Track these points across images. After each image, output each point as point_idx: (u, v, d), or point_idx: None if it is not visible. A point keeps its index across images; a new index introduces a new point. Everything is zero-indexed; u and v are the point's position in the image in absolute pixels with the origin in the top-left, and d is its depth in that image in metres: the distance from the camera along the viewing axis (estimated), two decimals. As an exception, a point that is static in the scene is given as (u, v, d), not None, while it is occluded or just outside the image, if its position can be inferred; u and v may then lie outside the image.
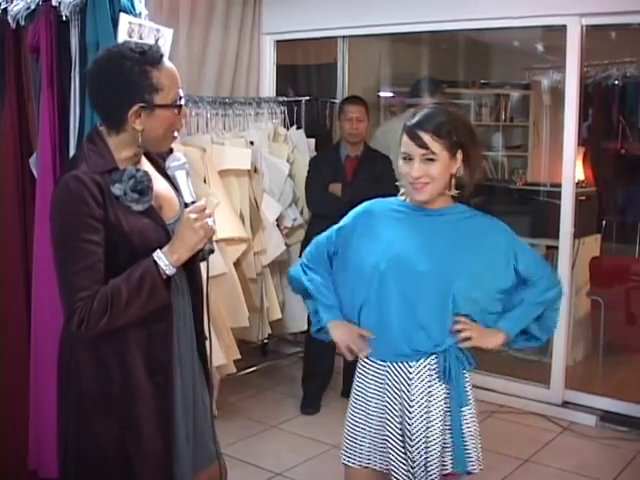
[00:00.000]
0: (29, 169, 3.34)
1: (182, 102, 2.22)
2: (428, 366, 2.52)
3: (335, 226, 2.73)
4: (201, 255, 2.22)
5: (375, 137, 5.76)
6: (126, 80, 2.13)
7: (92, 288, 2.08)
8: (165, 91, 2.17)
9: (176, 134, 2.26)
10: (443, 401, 2.52)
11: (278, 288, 5.44)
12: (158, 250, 2.14)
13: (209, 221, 2.15)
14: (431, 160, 2.42)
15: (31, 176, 3.34)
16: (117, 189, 2.13)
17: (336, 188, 4.93)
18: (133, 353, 2.20)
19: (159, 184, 2.30)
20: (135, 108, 2.14)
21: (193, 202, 2.19)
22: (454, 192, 2.53)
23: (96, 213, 2.10)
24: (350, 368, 5.10)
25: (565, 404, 4.99)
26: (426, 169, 2.42)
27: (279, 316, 5.35)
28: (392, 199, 2.67)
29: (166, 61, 2.20)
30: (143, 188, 2.16)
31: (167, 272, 2.13)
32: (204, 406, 2.45)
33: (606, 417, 4.80)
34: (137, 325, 2.18)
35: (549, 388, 5.04)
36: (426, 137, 2.41)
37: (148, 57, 2.16)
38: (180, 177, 2.23)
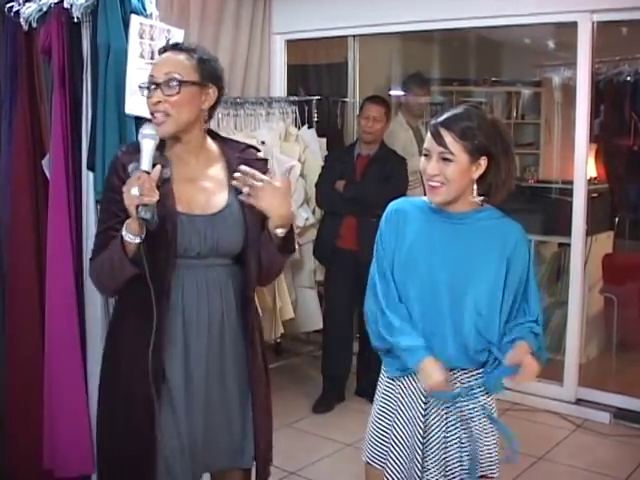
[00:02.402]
0: (42, 170, 3.36)
1: (143, 85, 2.41)
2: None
3: (377, 245, 2.60)
4: (142, 223, 2.24)
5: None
6: None
7: (98, 250, 2.38)
8: None
9: (154, 116, 2.40)
10: (459, 413, 2.49)
11: (291, 287, 5.45)
12: (127, 220, 2.26)
13: (133, 190, 2.19)
14: (448, 160, 2.37)
15: (44, 177, 3.35)
16: (130, 166, 2.31)
17: (340, 185, 4.97)
18: (131, 326, 2.39)
19: (206, 183, 2.46)
20: None
21: (147, 172, 2.25)
22: (477, 199, 2.48)
23: (115, 186, 2.32)
24: (364, 367, 5.16)
25: (579, 402, 4.99)
26: (442, 168, 2.37)
27: (292, 315, 5.36)
28: (417, 199, 2.61)
29: (166, 52, 2.47)
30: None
31: (128, 240, 2.24)
32: (224, 402, 2.48)
33: (620, 414, 4.80)
34: (135, 302, 2.35)
35: (562, 386, 5.04)
36: (447, 136, 2.36)
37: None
38: (145, 145, 2.29)
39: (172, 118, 2.37)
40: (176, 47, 2.48)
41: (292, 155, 5.36)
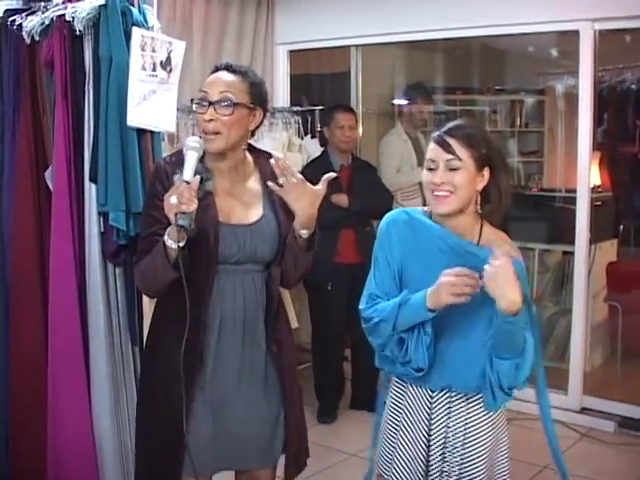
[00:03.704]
0: (45, 183, 3.37)
1: (196, 102, 2.53)
2: (448, 398, 2.48)
3: (382, 252, 2.54)
4: (179, 230, 2.33)
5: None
6: None
7: (142, 254, 2.50)
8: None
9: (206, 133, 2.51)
10: (462, 434, 2.47)
11: (295, 298, 5.45)
12: (169, 227, 2.37)
13: (172, 198, 2.30)
14: (456, 169, 2.34)
15: (47, 190, 3.36)
16: (175, 178, 2.41)
17: (339, 199, 4.90)
18: (169, 327, 2.54)
19: (244, 195, 2.61)
20: None
21: (187, 182, 2.36)
22: (478, 208, 2.43)
23: (158, 193, 2.45)
24: (359, 379, 5.16)
25: (583, 410, 4.98)
26: (450, 177, 2.34)
27: (296, 325, 5.34)
28: (420, 216, 2.52)
29: (220, 71, 2.57)
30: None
31: (169, 245, 2.35)
32: (256, 399, 2.62)
33: (625, 423, 4.79)
34: (176, 303, 2.42)
35: (567, 394, 5.03)
36: (453, 143, 2.34)
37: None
38: (189, 157, 2.41)
39: (222, 136, 2.50)
40: (229, 68, 2.58)
41: (295, 165, 5.35)
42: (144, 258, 2.48)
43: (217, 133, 2.49)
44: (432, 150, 2.40)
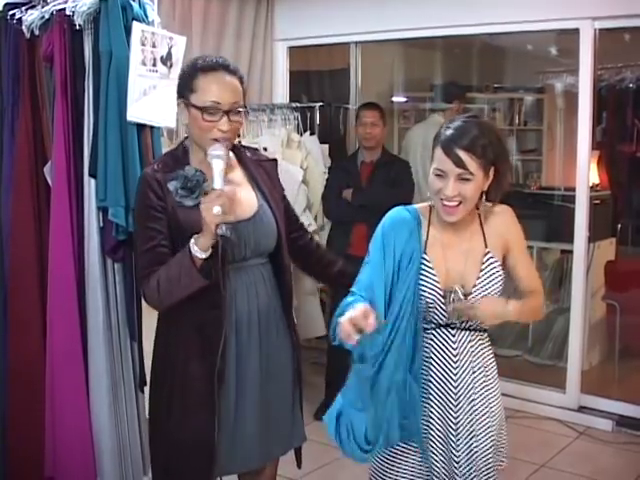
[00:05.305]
0: (44, 177, 3.36)
1: (210, 111, 2.41)
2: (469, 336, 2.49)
3: (372, 255, 2.59)
4: (220, 240, 2.32)
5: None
6: (180, 77, 2.54)
7: (150, 268, 2.40)
8: (199, 93, 2.43)
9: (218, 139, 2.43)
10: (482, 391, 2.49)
11: (293, 294, 5.44)
12: (194, 236, 2.32)
13: (215, 208, 2.25)
14: (467, 180, 2.32)
15: (46, 184, 3.35)
16: (171, 185, 2.40)
17: (348, 194, 4.95)
18: (188, 332, 2.47)
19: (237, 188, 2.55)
20: (178, 101, 2.51)
21: (221, 190, 2.33)
22: (482, 205, 2.47)
23: (155, 204, 2.42)
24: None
25: (581, 409, 4.99)
26: (460, 188, 2.32)
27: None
28: (420, 211, 2.54)
29: (218, 72, 2.46)
30: (192, 186, 2.39)
31: (198, 255, 2.31)
32: (278, 394, 2.66)
33: (622, 422, 4.79)
34: (193, 308, 2.41)
35: (565, 393, 5.04)
36: (463, 155, 2.29)
37: (201, 63, 2.47)
38: (215, 165, 2.35)
39: (229, 142, 2.49)
40: (228, 69, 2.51)
41: (294, 162, 5.35)
42: (156, 272, 2.39)
43: (227, 139, 2.46)
44: (441, 160, 2.34)
